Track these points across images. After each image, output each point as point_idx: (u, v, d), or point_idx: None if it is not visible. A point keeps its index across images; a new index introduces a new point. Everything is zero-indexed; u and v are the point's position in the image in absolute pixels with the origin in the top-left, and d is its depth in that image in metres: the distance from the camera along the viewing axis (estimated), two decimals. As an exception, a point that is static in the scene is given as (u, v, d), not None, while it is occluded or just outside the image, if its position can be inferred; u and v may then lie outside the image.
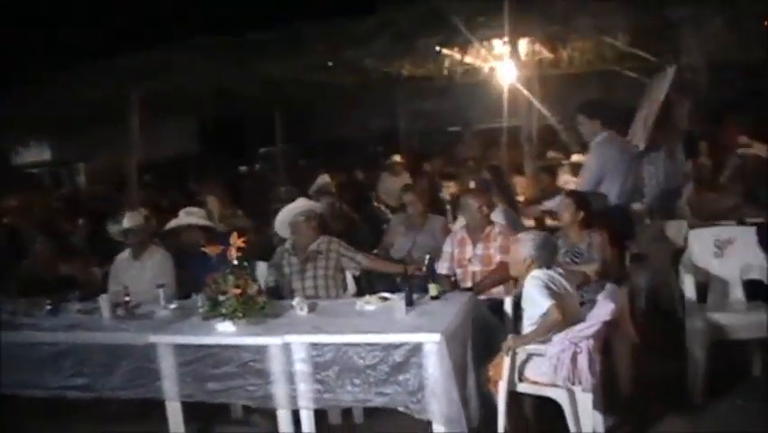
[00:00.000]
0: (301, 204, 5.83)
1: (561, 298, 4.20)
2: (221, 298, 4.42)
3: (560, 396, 4.20)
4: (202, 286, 4.75)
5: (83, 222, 8.10)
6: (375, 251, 6.57)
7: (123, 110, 8.69)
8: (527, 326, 4.36)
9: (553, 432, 4.51)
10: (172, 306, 5.11)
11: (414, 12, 6.86)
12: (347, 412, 5.04)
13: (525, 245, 4.43)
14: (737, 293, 5.35)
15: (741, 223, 6.20)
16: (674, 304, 6.56)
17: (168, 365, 4.51)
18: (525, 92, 8.19)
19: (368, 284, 5.99)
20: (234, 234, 4.56)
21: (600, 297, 4.31)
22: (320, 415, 4.52)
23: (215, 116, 13.66)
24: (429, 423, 4.19)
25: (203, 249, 4.64)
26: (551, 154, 10.77)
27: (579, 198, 5.53)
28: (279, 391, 4.33)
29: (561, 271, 4.44)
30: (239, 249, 4.52)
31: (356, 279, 5.87)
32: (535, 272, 4.33)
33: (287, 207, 5.83)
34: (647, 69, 8.10)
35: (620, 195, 6.02)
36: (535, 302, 4.22)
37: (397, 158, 10.92)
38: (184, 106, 11.77)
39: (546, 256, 4.41)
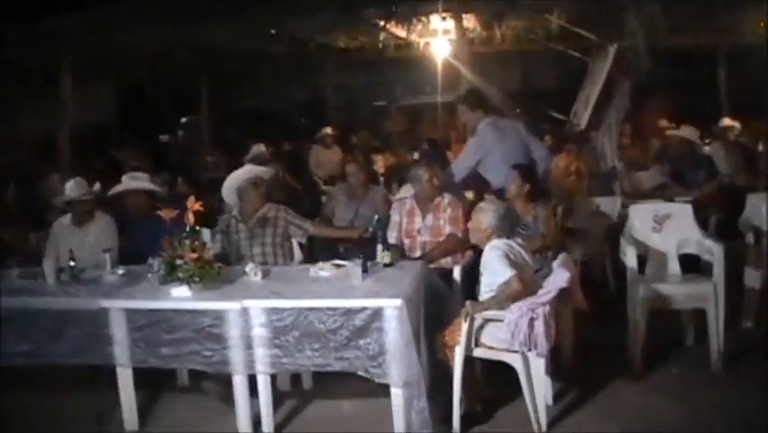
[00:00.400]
0: (249, 169, 5.78)
1: (521, 267, 4.30)
2: (178, 262, 4.35)
3: (515, 361, 4.32)
4: (153, 250, 4.70)
5: (12, 187, 7.80)
6: (317, 220, 6.57)
7: (50, 75, 8.37)
8: (485, 292, 4.46)
9: (502, 396, 4.69)
10: (120, 271, 5.01)
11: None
12: (296, 379, 5.06)
13: (487, 215, 4.51)
14: (674, 266, 5.61)
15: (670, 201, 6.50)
16: (606, 275, 6.84)
17: (120, 331, 4.42)
18: (462, 68, 8.29)
19: (311, 254, 6.00)
20: (192, 198, 4.50)
21: (556, 265, 4.46)
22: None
23: (138, 83, 13.28)
24: (382, 387, 4.27)
25: (158, 213, 4.54)
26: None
27: (525, 171, 5.66)
28: (237, 357, 4.31)
29: (519, 241, 4.55)
30: (196, 213, 4.47)
31: (302, 247, 5.87)
32: (496, 242, 4.43)
33: (234, 172, 5.76)
34: (588, 49, 8.28)
35: (502, 171, 6.09)
36: (495, 271, 4.31)
37: (329, 130, 10.90)
38: (106, 71, 11.42)
39: (507, 227, 4.51)
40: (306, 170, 8.37)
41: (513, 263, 4.29)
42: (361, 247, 5.96)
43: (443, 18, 8.03)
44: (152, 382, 4.97)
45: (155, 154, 10.81)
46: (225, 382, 4.67)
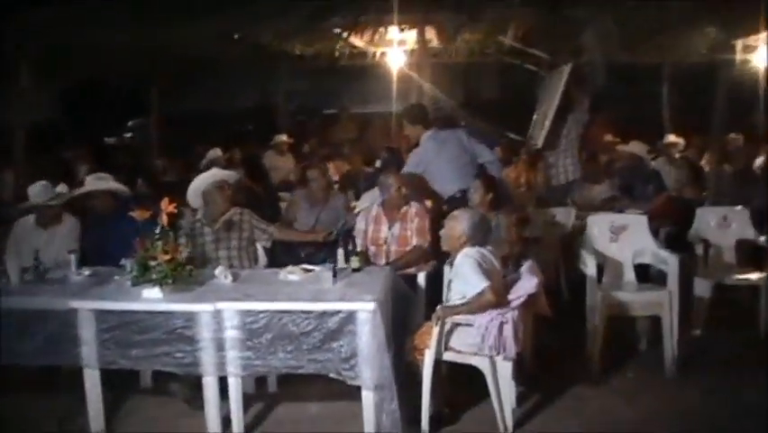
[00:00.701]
0: (215, 173, 5.79)
1: (493, 277, 4.41)
2: (151, 263, 4.36)
3: (482, 364, 4.44)
4: (122, 251, 4.68)
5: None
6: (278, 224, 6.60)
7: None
8: (455, 299, 4.56)
9: (468, 399, 4.82)
10: (86, 272, 4.98)
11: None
12: (260, 382, 5.09)
13: (461, 223, 4.62)
14: (630, 275, 5.84)
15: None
16: (560, 283, 7.04)
17: (88, 332, 4.39)
18: (417, 78, 8.42)
19: (272, 259, 6.03)
20: (165, 200, 4.50)
21: (523, 271, 4.60)
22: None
23: (86, 82, 13.04)
24: (347, 390, 4.39)
25: (131, 213, 4.53)
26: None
27: (488, 181, 5.81)
28: (208, 358, 4.33)
29: (490, 248, 4.67)
30: (169, 214, 4.48)
31: (266, 250, 5.90)
32: (468, 250, 4.53)
33: (200, 175, 5.78)
34: (546, 64, 8.48)
35: (450, 180, 6.40)
36: (468, 280, 4.41)
37: (284, 137, 10.96)
38: (53, 69, 11.17)
39: (480, 235, 4.63)
40: (266, 175, 8.38)
41: (486, 273, 4.39)
42: (321, 252, 6.08)
43: (402, 29, 8.15)
44: (114, 384, 4.90)
45: (102, 156, 10.69)
46: (192, 384, 4.71)
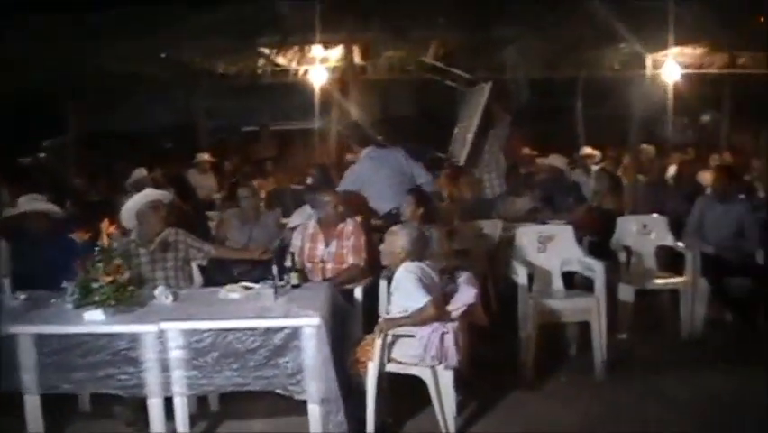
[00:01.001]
0: (148, 193, 5.76)
1: (433, 291, 4.53)
2: (93, 285, 4.33)
3: (424, 374, 4.56)
4: (58, 274, 4.64)
5: None
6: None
7: None
8: (396, 312, 4.66)
9: (410, 409, 4.93)
10: (22, 296, 4.88)
11: (252, 11, 6.92)
12: (202, 401, 5.08)
13: (401, 238, 4.74)
14: (558, 283, 6.08)
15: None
16: (488, 293, 7.21)
17: (28, 357, 4.30)
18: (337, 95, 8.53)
19: (207, 278, 6.02)
20: (106, 221, 4.48)
21: (462, 282, 4.74)
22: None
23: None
24: (289, 406, 4.51)
25: (71, 236, 4.49)
26: (349, 157, 11.15)
27: (419, 195, 5.96)
28: (153, 379, 4.30)
29: (429, 262, 4.80)
30: (110, 235, 4.46)
31: (202, 270, 5.88)
32: (409, 265, 4.64)
33: (135, 196, 5.75)
34: (465, 81, 8.68)
35: (386, 198, 6.59)
36: (410, 294, 4.51)
37: (206, 156, 10.90)
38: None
39: (419, 250, 4.75)
40: (194, 194, 8.33)
41: (427, 288, 4.51)
42: (256, 270, 6.11)
43: (326, 47, 8.27)
44: (53, 408, 4.80)
45: (19, 177, 10.40)
46: (135, 406, 4.67)
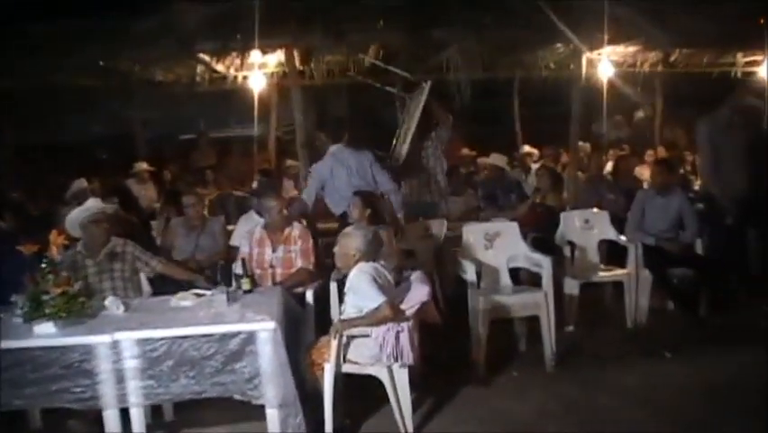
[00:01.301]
0: (91, 205, 5.66)
1: (388, 292, 4.58)
2: (44, 298, 4.25)
3: (381, 373, 4.60)
4: (8, 288, 4.56)
5: None
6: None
7: None
8: (350, 312, 4.69)
9: (365, 410, 4.99)
10: (-33, 312, 4.77)
11: (193, 17, 6.85)
12: (156, 410, 5.02)
13: (355, 240, 4.77)
14: (506, 279, 6.18)
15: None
16: (436, 293, 7.28)
17: (-21, 374, 4.22)
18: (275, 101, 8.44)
19: (155, 287, 5.94)
20: (54, 232, 4.41)
21: (414, 280, 4.79)
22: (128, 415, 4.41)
23: None
24: (242, 413, 4.56)
25: (18, 248, 4.39)
26: (289, 162, 11.14)
27: (366, 196, 6.01)
28: (109, 391, 4.24)
29: (383, 263, 4.83)
30: (59, 246, 4.39)
31: (150, 280, 5.81)
32: (363, 266, 4.67)
33: (76, 208, 5.65)
34: (406, 85, 8.69)
35: (342, 198, 6.58)
36: (365, 294, 4.54)
37: (144, 165, 10.75)
38: None
39: (373, 250, 4.78)
40: (137, 204, 8.21)
41: (381, 288, 4.55)
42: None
43: (264, 53, 8.23)
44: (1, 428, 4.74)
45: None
46: (89, 419, 4.61)
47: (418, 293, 4.61)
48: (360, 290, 4.58)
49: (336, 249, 4.93)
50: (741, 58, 10.14)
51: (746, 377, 5.24)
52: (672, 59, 9.81)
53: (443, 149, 8.11)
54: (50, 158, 13.22)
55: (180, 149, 14.24)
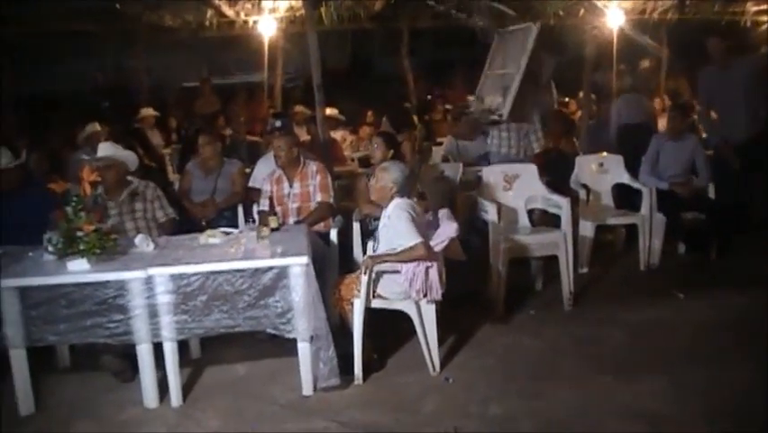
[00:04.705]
0: (102, 151, 5.62)
1: (422, 230, 4.63)
2: (78, 234, 4.30)
3: (409, 308, 4.70)
4: (30, 226, 4.66)
5: None
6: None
7: None
8: (383, 246, 4.79)
9: (392, 345, 5.10)
10: (-1, 251, 4.83)
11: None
12: (182, 348, 5.09)
13: (392, 173, 4.81)
14: (524, 220, 6.28)
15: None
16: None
17: (12, 311, 4.27)
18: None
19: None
20: (86, 169, 4.44)
21: (442, 217, 4.87)
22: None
23: None
24: (267, 349, 4.78)
25: (50, 186, 4.43)
26: (297, 108, 11.12)
27: (388, 138, 6.06)
28: (142, 326, 4.32)
29: (415, 199, 4.91)
30: (92, 183, 4.43)
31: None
32: (401, 202, 4.74)
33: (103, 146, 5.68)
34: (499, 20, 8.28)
35: None
36: (402, 232, 4.59)
37: (150, 110, 10.73)
38: None
39: (409, 185, 4.86)
40: (152, 147, 8.21)
41: (418, 227, 4.61)
42: (222, 218, 6.16)
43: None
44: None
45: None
46: (122, 355, 4.70)
47: (447, 229, 4.67)
48: (398, 228, 4.63)
49: (372, 182, 4.99)
50: (750, 6, 10.13)
51: (756, 317, 5.34)
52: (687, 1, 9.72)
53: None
54: (51, 108, 13.09)
55: (184, 96, 14.15)
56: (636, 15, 9.83)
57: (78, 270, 4.33)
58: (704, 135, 8.23)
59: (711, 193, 6.86)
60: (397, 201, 4.74)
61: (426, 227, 4.82)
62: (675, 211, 6.64)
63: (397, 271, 4.61)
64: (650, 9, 9.80)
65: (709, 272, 6.51)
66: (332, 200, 5.82)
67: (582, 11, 9.00)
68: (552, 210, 6.09)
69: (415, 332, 4.77)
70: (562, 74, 9.65)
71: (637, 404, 4.22)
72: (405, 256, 4.55)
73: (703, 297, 5.88)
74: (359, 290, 4.63)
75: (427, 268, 4.54)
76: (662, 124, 8.65)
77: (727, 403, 4.14)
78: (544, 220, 6.41)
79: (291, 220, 5.72)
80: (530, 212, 6.45)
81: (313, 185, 5.84)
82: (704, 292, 5.96)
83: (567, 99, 10.74)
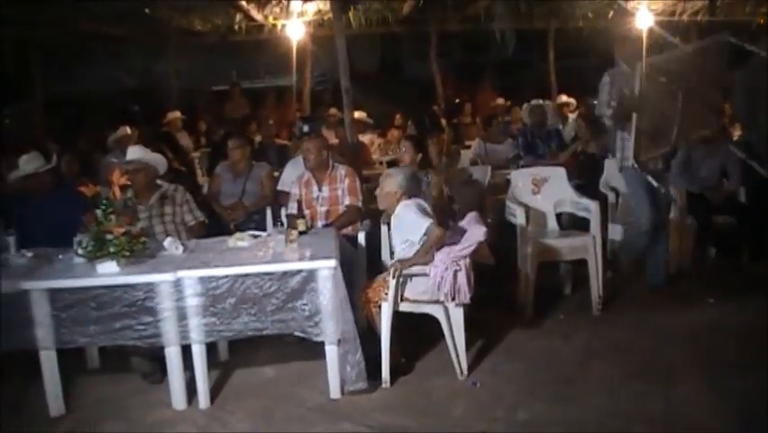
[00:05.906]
0: (131, 154, 5.67)
1: (431, 216, 4.67)
2: (108, 237, 4.33)
3: (437, 311, 4.70)
4: (61, 229, 4.70)
5: None
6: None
7: None
8: (402, 250, 4.79)
9: (419, 350, 5.07)
10: (29, 253, 4.87)
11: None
12: (211, 351, 5.10)
13: (395, 179, 4.88)
14: (553, 224, 6.23)
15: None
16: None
17: (42, 313, 4.30)
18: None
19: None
20: (116, 173, 4.48)
21: (470, 220, 4.85)
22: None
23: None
24: (294, 352, 4.77)
25: (80, 189, 4.47)
26: (332, 111, 11.13)
27: (417, 141, 6.06)
28: (171, 328, 4.35)
29: (424, 200, 4.92)
30: (122, 187, 4.46)
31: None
32: (406, 201, 4.79)
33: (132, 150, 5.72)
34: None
35: None
36: (412, 224, 4.64)
37: (177, 114, 10.84)
38: None
39: (414, 187, 4.91)
40: (183, 151, 8.28)
41: (427, 215, 4.66)
42: (251, 222, 6.18)
43: (304, 2, 8.21)
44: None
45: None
46: (151, 357, 4.72)
47: (476, 232, 4.65)
48: (406, 221, 4.68)
49: (378, 191, 5.01)
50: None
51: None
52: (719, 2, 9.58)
53: None
54: (80, 111, 13.20)
55: (213, 100, 14.25)
56: (667, 17, 9.71)
57: (108, 272, 4.36)
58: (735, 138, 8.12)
59: (742, 197, 6.76)
60: (403, 202, 4.80)
61: (459, 231, 4.82)
62: (706, 215, 6.56)
63: (426, 274, 4.59)
64: (680, 11, 9.69)
65: (740, 277, 6.44)
66: (360, 204, 5.82)
67: (612, 12, 8.85)
68: (581, 214, 6.04)
69: (442, 336, 4.76)
70: (590, 76, 9.59)
71: (670, 410, 4.17)
72: (427, 245, 4.57)
73: (734, 301, 5.80)
74: (387, 294, 4.63)
75: (456, 271, 4.52)
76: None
77: (761, 409, 4.07)
78: (572, 224, 6.37)
79: (320, 223, 5.73)
80: (558, 215, 6.42)
81: (341, 188, 5.84)
82: (735, 297, 5.88)
83: (595, 102, 10.62)
